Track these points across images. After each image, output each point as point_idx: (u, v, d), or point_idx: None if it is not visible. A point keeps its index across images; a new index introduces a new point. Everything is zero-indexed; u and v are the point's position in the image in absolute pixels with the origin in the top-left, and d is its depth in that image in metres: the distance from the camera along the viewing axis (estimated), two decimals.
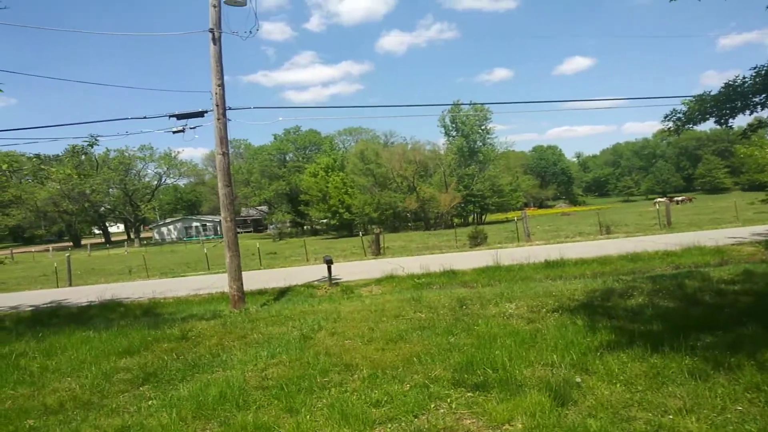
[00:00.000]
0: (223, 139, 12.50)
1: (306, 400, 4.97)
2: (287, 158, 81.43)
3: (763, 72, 8.18)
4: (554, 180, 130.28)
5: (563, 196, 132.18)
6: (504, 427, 4.07)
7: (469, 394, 4.78)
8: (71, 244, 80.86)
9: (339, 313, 9.27)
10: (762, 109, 8.55)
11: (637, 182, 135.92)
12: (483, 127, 63.08)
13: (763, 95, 8.29)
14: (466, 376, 5.20)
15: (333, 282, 14.86)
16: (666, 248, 16.01)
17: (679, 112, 9.34)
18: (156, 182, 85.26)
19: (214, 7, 12.25)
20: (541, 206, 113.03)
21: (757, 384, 4.31)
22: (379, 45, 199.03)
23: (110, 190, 78.16)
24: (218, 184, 12.81)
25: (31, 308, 14.72)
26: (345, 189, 59.27)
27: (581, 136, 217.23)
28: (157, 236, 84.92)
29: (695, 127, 10.07)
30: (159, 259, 37.30)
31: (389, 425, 4.29)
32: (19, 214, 71.16)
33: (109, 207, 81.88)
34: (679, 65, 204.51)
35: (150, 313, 12.81)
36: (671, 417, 3.94)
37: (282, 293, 14.26)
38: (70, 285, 21.69)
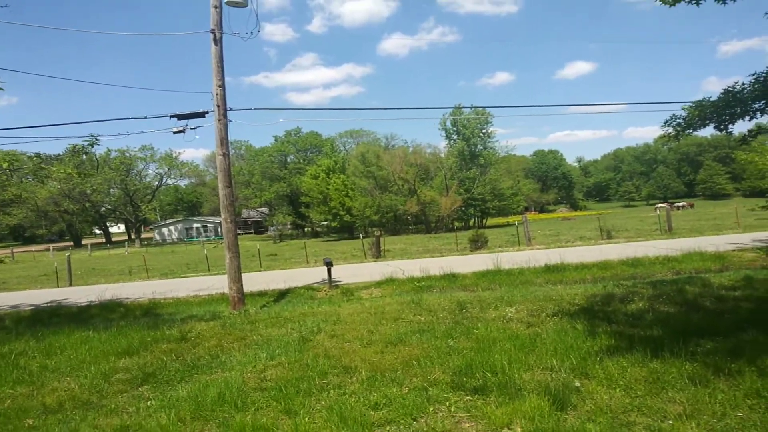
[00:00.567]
0: (224, 140, 12.50)
1: (305, 401, 4.97)
2: (288, 160, 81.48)
3: (762, 79, 8.18)
4: (555, 184, 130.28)
5: (564, 201, 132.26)
6: (503, 431, 4.06)
7: (468, 397, 4.78)
8: (72, 243, 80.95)
9: (338, 316, 9.26)
10: (761, 116, 8.54)
11: (638, 187, 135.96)
12: (484, 131, 63.22)
13: (763, 102, 8.28)
14: (465, 379, 5.19)
15: (333, 284, 14.85)
16: (667, 253, 16.00)
17: (679, 118, 9.33)
18: (157, 183, 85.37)
19: (216, 8, 12.27)
20: (542, 210, 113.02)
21: (757, 390, 4.30)
22: (381, 47, 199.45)
23: (111, 190, 78.21)
24: (219, 185, 12.81)
25: (31, 307, 14.71)
26: (346, 191, 59.32)
27: (582, 140, 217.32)
28: (157, 237, 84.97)
29: (695, 133, 10.05)
30: (159, 259, 37.31)
31: (388, 428, 4.28)
32: (19, 213, 71.25)
33: (109, 207, 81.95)
34: (680, 71, 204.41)
35: (150, 313, 12.80)
36: (671, 422, 3.93)
37: (282, 295, 14.25)
38: (71, 285, 21.68)
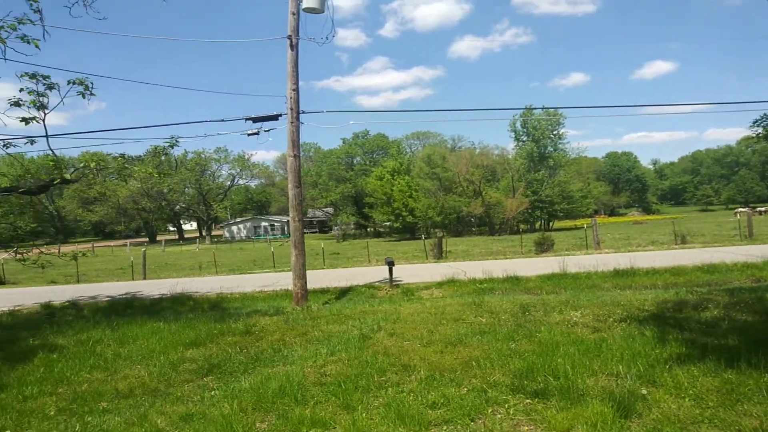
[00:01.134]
0: (295, 142, 12.83)
1: (363, 398, 4.99)
2: (355, 162, 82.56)
3: None
4: (628, 187, 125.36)
5: (636, 204, 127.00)
6: None
7: (528, 400, 4.66)
8: (147, 239, 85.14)
9: (399, 315, 9.27)
10: None
11: (717, 191, 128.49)
12: (555, 132, 61.74)
13: None
14: (525, 382, 5.07)
15: (394, 283, 14.90)
16: (746, 260, 15.07)
17: None
18: (229, 183, 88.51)
19: (294, 14, 12.61)
20: (612, 214, 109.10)
21: None
22: (452, 50, 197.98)
23: (186, 189, 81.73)
24: (288, 185, 13.11)
25: (107, 299, 15.56)
26: (409, 192, 59.38)
27: (658, 142, 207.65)
28: (227, 234, 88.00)
29: None
30: (228, 256, 38.60)
31: (445, 427, 4.24)
32: (101, 210, 75.83)
33: (183, 205, 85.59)
34: None
35: (217, 307, 13.28)
36: None
37: (343, 293, 14.43)
38: (145, 278, 22.80)
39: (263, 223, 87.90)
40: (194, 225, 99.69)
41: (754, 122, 8.98)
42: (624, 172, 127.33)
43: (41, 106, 10.17)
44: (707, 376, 4.82)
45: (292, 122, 12.68)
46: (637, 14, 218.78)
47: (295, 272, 12.71)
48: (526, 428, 4.14)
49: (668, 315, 7.74)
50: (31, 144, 11.24)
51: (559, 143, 62.49)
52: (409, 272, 17.84)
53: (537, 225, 64.12)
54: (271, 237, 77.43)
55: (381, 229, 72.27)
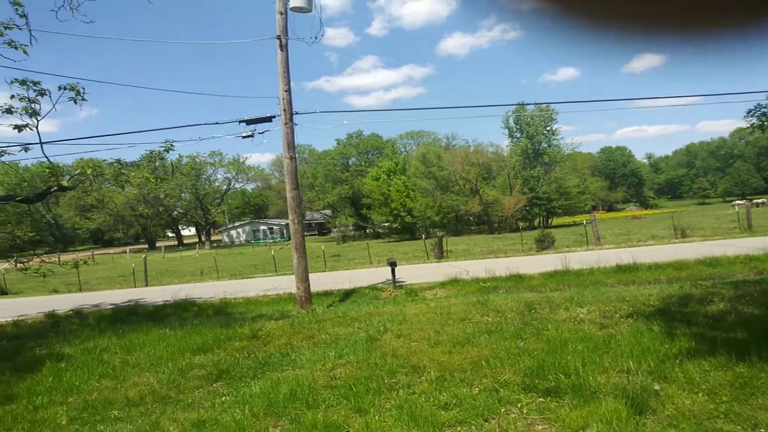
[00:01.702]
0: (291, 144, 12.80)
1: (374, 400, 5.00)
2: (350, 162, 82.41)
3: None
4: (624, 182, 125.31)
5: (634, 199, 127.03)
6: None
7: (540, 399, 4.67)
8: (147, 246, 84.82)
9: (404, 316, 9.27)
10: None
11: (713, 184, 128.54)
12: (548, 128, 61.59)
13: None
14: (536, 381, 5.08)
15: (397, 285, 14.91)
16: (747, 252, 15.12)
17: (765, 107, 8.80)
18: (225, 187, 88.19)
19: (281, 14, 12.58)
20: (610, 209, 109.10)
21: None
22: (440, 47, 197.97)
23: (182, 194, 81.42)
24: (286, 187, 13.10)
25: (111, 306, 15.54)
26: (407, 192, 59.30)
27: (652, 136, 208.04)
28: (226, 239, 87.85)
29: None
30: (229, 260, 38.56)
31: (459, 428, 4.25)
32: (99, 217, 75.55)
33: (181, 211, 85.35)
34: (763, 59, 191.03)
35: (221, 312, 13.27)
36: (762, 431, 3.71)
37: (347, 295, 14.43)
38: (147, 285, 22.77)
39: (262, 227, 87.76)
40: (193, 230, 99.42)
41: (748, 112, 9.03)
42: (619, 166, 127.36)
43: (33, 113, 10.15)
44: (719, 371, 4.83)
45: (286, 123, 12.67)
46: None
47: (298, 275, 12.71)
48: (541, 427, 4.15)
49: (674, 309, 7.76)
50: (26, 151, 11.21)
51: (553, 139, 62.34)
52: (411, 273, 17.85)
53: (536, 222, 64.13)
54: (271, 240, 77.35)
55: (380, 230, 72.17)
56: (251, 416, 4.87)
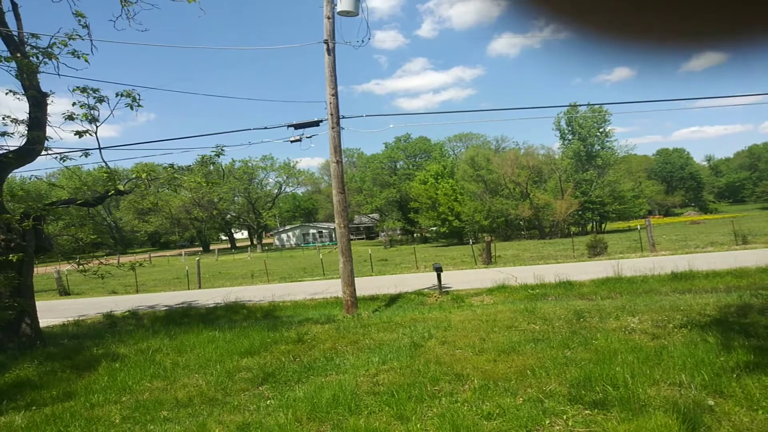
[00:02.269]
0: (337, 148, 12.92)
1: (416, 408, 4.98)
2: (398, 166, 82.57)
3: None
4: (681, 185, 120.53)
5: (692, 203, 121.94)
6: None
7: (586, 411, 4.55)
8: (201, 249, 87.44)
9: (449, 322, 9.21)
10: None
11: None
12: (601, 130, 59.93)
13: None
14: (583, 392, 4.94)
15: (443, 290, 14.81)
16: None
17: None
18: (276, 191, 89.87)
19: (329, 18, 12.71)
20: (666, 214, 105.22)
21: None
22: (491, 48, 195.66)
23: (235, 198, 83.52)
24: (333, 191, 13.20)
25: (165, 308, 16.06)
26: (454, 196, 58.92)
27: (711, 137, 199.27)
28: (277, 242, 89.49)
29: None
30: (279, 264, 39.26)
31: None
32: (156, 221, 78.38)
33: (234, 214, 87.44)
34: None
35: (269, 315, 13.51)
36: None
37: (392, 300, 14.43)
38: (200, 287, 23.41)
39: (311, 230, 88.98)
40: (245, 234, 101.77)
41: None
42: (677, 169, 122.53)
43: (93, 119, 10.56)
44: None
45: (333, 128, 12.77)
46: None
47: (344, 279, 12.78)
48: None
49: (732, 320, 7.42)
50: (86, 156, 11.74)
51: (607, 141, 60.56)
52: (457, 278, 17.71)
53: (588, 227, 62.48)
54: (320, 244, 78.29)
55: (427, 235, 71.98)
56: (294, 420, 4.93)
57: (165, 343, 9.19)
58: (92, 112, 10.51)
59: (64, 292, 25.32)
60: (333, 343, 8.39)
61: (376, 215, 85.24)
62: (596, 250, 23.41)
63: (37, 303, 10.82)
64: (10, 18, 10.34)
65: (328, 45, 12.70)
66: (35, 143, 10.37)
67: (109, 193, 11.51)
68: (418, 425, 4.53)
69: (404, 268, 25.32)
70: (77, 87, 10.37)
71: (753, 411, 4.19)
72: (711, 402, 4.43)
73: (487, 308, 10.97)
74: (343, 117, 13.11)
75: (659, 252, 22.12)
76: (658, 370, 5.37)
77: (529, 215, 56.08)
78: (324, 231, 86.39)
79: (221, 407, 5.63)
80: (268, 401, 5.70)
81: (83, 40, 10.41)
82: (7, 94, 10.65)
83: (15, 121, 10.44)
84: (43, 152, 10.95)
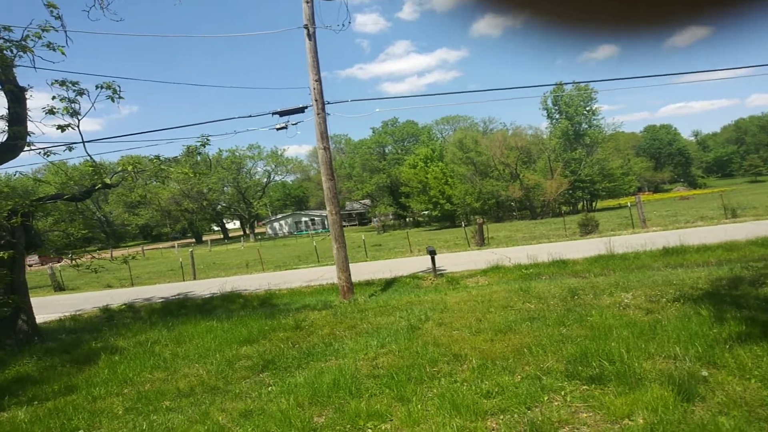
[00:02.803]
0: (324, 134, 12.85)
1: (416, 389, 5.04)
2: (386, 151, 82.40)
3: None
4: (670, 161, 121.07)
5: (681, 179, 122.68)
6: (624, 422, 3.88)
7: (584, 386, 4.62)
8: (194, 240, 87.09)
9: (445, 304, 9.28)
10: None
11: (766, 160, 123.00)
12: (588, 109, 60.02)
13: None
14: (580, 368, 5.02)
15: (438, 273, 14.89)
16: None
17: None
18: (265, 180, 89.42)
19: (307, 2, 12.51)
20: (656, 190, 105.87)
21: None
22: (474, 29, 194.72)
23: (225, 188, 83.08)
24: (322, 178, 13.16)
25: (161, 300, 16.06)
26: (445, 179, 58.94)
27: (698, 112, 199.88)
28: (270, 231, 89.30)
29: None
30: (273, 252, 39.22)
31: (501, 417, 4.24)
32: (146, 213, 77.89)
33: (225, 205, 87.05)
34: None
35: (266, 303, 13.55)
36: None
37: (388, 284, 14.51)
38: (195, 278, 23.40)
39: (303, 218, 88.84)
40: (237, 224, 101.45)
41: None
42: (665, 146, 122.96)
43: (74, 113, 10.41)
44: None
45: (318, 113, 12.69)
46: None
47: (339, 266, 12.82)
48: (585, 415, 4.11)
49: (724, 293, 7.53)
50: (70, 151, 11.59)
51: (594, 119, 60.64)
52: (452, 261, 17.80)
53: (579, 206, 62.88)
54: (313, 232, 78.28)
55: (420, 219, 72.11)
56: (296, 406, 4.98)
57: (163, 334, 9.21)
58: (73, 105, 10.35)
59: (59, 287, 25.24)
60: (331, 328, 8.44)
61: (367, 201, 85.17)
62: (588, 228, 23.59)
63: (32, 299, 10.79)
64: None
65: (308, 30, 12.53)
66: (17, 139, 10.23)
67: (96, 187, 11.43)
68: (419, 406, 4.58)
69: (398, 253, 25.41)
70: (56, 80, 10.19)
71: (746, 380, 4.28)
72: (705, 373, 4.52)
73: (482, 289, 11.06)
74: (328, 103, 13.02)
75: (650, 228, 22.32)
76: (653, 343, 5.46)
77: (520, 196, 56.33)
78: (316, 218, 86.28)
79: (223, 395, 5.67)
80: (270, 388, 5.75)
81: (57, 31, 10.20)
82: None
83: None
84: (26, 148, 10.82)
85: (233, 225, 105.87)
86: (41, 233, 11.68)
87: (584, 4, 1.22)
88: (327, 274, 16.75)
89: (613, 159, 63.42)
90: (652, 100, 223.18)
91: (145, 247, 69.50)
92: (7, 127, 10.25)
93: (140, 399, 5.84)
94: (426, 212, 65.74)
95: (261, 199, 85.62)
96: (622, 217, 31.21)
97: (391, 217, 77.95)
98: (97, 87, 10.68)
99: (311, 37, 12.59)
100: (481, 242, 23.94)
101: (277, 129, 13.64)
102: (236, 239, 75.97)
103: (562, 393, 4.52)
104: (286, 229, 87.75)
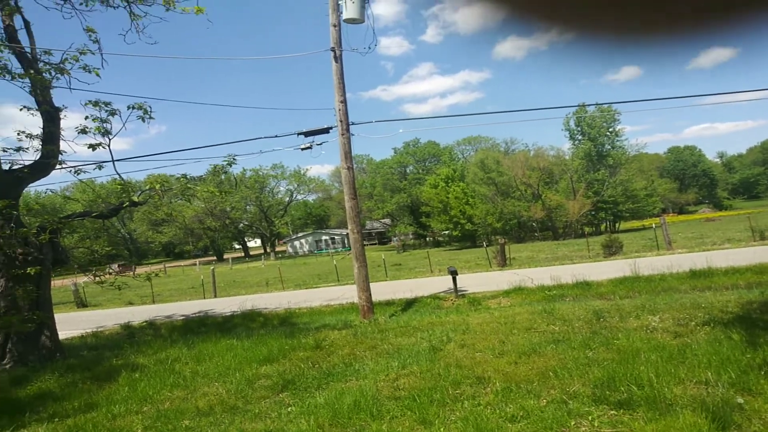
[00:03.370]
0: (348, 154, 12.94)
1: (439, 412, 4.92)
2: (407, 171, 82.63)
3: None
4: (694, 183, 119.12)
5: (706, 200, 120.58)
6: None
7: (612, 411, 4.47)
8: (215, 258, 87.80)
9: (467, 325, 9.15)
10: None
11: None
12: (611, 129, 59.52)
13: None
14: (607, 392, 4.87)
15: (459, 293, 14.74)
16: None
17: None
18: (288, 198, 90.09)
19: (335, 26, 12.75)
20: (681, 212, 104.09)
21: None
22: (496, 51, 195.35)
23: (247, 207, 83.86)
24: (345, 197, 13.23)
25: (182, 317, 16.13)
26: (466, 199, 58.70)
27: (723, 133, 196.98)
28: (290, 250, 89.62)
29: None
30: (293, 271, 39.30)
31: None
32: (170, 231, 78.94)
33: (247, 223, 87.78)
34: None
35: (286, 322, 13.52)
36: None
37: (409, 304, 14.39)
38: (215, 296, 23.51)
39: (324, 237, 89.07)
40: (258, 242, 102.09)
41: None
42: (689, 167, 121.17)
43: (105, 132, 10.64)
44: None
45: (342, 134, 12.81)
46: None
47: (359, 285, 12.77)
48: None
49: (756, 317, 7.30)
50: (99, 169, 11.85)
51: (617, 140, 60.10)
52: (473, 281, 17.63)
53: (602, 227, 62.01)
54: (333, 250, 78.36)
55: (440, 238, 71.77)
56: (316, 427, 4.90)
57: (183, 352, 9.20)
58: (105, 125, 10.60)
59: (82, 303, 25.54)
60: (351, 348, 8.35)
61: (387, 220, 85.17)
62: (612, 250, 23.22)
63: (55, 315, 10.90)
64: (23, 36, 10.51)
65: (335, 53, 12.74)
66: (49, 157, 10.49)
67: (124, 205, 11.59)
68: (442, 429, 4.48)
69: (418, 273, 25.26)
70: (89, 101, 10.46)
71: None
72: (740, 400, 4.35)
73: (505, 310, 10.90)
74: (353, 123, 13.15)
75: (676, 250, 21.89)
76: (683, 368, 5.29)
77: (542, 216, 55.74)
78: (336, 237, 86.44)
79: (242, 415, 5.61)
80: (289, 408, 5.67)
81: (94, 54, 10.55)
82: (21, 110, 10.82)
83: (29, 136, 10.58)
84: (58, 166, 11.08)
85: (254, 243, 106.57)
86: (67, 250, 11.85)
87: (608, 25, 1.18)
88: (347, 294, 16.70)
89: (637, 180, 62.62)
90: (676, 121, 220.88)
91: (167, 265, 70.24)
92: (41, 147, 10.51)
93: (160, 417, 5.80)
94: (446, 232, 65.42)
95: (283, 218, 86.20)
96: (646, 238, 30.69)
97: (410, 236, 77.76)
98: (128, 107, 10.93)
99: (338, 59, 12.76)
100: (503, 263, 23.70)
101: (302, 149, 13.76)
102: (257, 257, 76.43)
103: (590, 418, 4.38)
104: (306, 248, 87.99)
